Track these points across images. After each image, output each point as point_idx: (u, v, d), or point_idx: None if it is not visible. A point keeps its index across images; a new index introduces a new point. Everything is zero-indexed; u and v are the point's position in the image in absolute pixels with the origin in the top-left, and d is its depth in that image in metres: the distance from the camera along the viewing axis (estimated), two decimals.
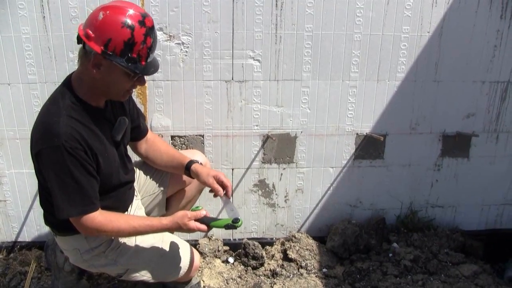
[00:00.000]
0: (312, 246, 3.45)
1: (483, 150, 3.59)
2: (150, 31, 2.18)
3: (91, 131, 2.25)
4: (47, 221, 2.49)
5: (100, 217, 2.27)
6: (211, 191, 2.67)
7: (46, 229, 3.32)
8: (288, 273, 3.28)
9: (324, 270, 3.33)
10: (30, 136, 2.21)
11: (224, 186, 2.64)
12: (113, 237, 2.49)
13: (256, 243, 3.40)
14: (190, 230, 2.39)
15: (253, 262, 3.35)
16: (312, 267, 3.33)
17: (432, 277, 3.26)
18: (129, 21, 2.11)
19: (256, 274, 3.31)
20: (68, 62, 3.05)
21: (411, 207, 3.66)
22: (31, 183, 3.26)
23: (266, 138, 3.33)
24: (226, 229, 2.45)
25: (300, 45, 3.16)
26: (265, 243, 3.55)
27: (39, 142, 2.14)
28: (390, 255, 3.43)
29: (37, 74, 3.05)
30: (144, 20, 2.15)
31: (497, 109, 3.48)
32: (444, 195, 3.69)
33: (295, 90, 3.25)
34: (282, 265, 3.35)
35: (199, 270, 3.23)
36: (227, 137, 3.30)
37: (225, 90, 3.20)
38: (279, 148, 3.37)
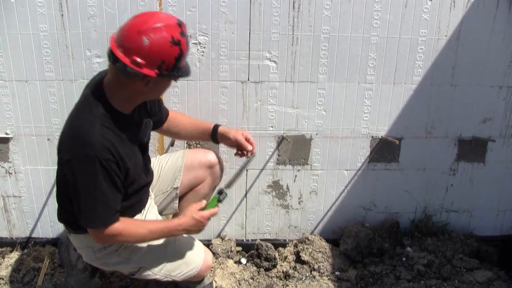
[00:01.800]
0: (325, 249, 3.44)
1: (499, 155, 3.56)
2: (187, 37, 2.22)
3: (122, 139, 2.28)
4: (62, 218, 2.51)
5: (119, 226, 2.29)
6: (236, 153, 2.83)
7: (60, 226, 3.34)
8: (300, 276, 3.27)
9: (337, 273, 3.32)
10: (60, 139, 2.24)
11: (251, 143, 2.78)
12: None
13: (269, 245, 3.40)
14: (206, 221, 2.52)
15: (265, 264, 3.34)
16: (325, 269, 3.31)
17: (445, 283, 3.23)
18: (174, 38, 2.13)
19: (268, 276, 3.30)
20: (85, 60, 3.06)
21: (426, 211, 3.64)
22: (46, 180, 3.28)
23: (281, 140, 3.33)
24: (219, 203, 2.63)
25: (316, 47, 3.16)
26: (278, 244, 3.55)
27: (72, 149, 2.16)
28: (404, 259, 3.40)
29: (54, 71, 3.07)
30: (182, 30, 2.18)
31: None
32: (459, 200, 3.66)
33: (311, 92, 3.25)
34: (295, 267, 3.34)
35: (212, 270, 3.23)
36: None
37: (240, 91, 3.20)
38: (294, 149, 3.36)
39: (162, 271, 2.62)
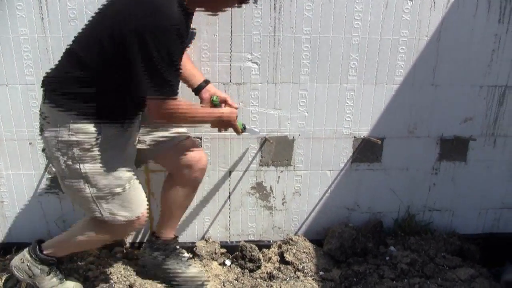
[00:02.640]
0: (309, 249, 3.45)
1: (480, 154, 3.59)
2: None
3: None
4: (57, 90, 2.47)
5: (180, 101, 2.50)
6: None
7: (42, 230, 3.32)
8: (285, 276, 3.27)
9: (321, 273, 3.33)
10: (122, 11, 2.32)
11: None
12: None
13: (253, 246, 3.40)
14: (233, 125, 2.89)
15: (250, 265, 3.35)
16: (309, 270, 3.32)
17: (429, 281, 3.26)
18: None
19: (252, 277, 3.30)
20: None
21: (409, 210, 3.66)
22: (28, 185, 3.27)
23: (264, 141, 3.33)
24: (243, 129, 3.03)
25: (298, 48, 3.17)
26: (262, 245, 3.55)
27: (147, 18, 2.25)
28: (387, 258, 3.42)
29: (35, 75, 3.05)
30: None
31: (494, 113, 3.49)
32: (442, 199, 3.69)
33: (293, 93, 3.26)
34: (279, 268, 3.34)
35: None
36: (225, 139, 3.30)
37: (223, 92, 3.19)
38: (277, 151, 3.37)
39: (103, 194, 2.57)
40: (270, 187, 3.47)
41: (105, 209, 2.59)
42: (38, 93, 3.07)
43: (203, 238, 3.54)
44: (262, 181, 3.44)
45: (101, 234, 2.71)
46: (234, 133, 3.08)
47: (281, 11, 3.08)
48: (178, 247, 3.18)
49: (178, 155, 2.92)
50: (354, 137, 3.41)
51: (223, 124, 2.85)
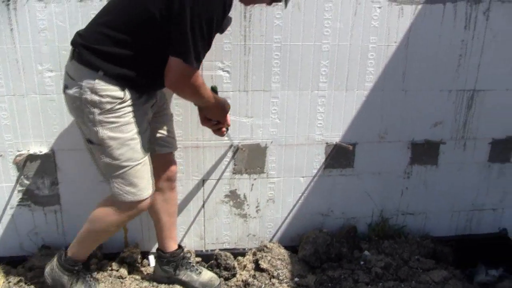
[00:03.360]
0: (284, 256, 3.46)
1: (451, 157, 3.64)
2: None
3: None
4: (88, 47, 2.48)
5: (199, 75, 2.52)
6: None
7: (14, 243, 3.30)
8: (260, 283, 3.27)
9: (296, 279, 3.33)
10: None
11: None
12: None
13: (228, 254, 3.40)
14: (224, 117, 2.88)
15: (225, 273, 3.34)
16: (284, 276, 3.33)
17: (403, 284, 3.29)
18: None
19: (228, 285, 3.30)
20: (37, 74, 3.02)
21: (382, 215, 3.70)
22: (1, 196, 3.23)
23: (237, 149, 3.34)
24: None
25: (269, 56, 3.19)
26: (237, 253, 3.55)
27: None
28: (362, 263, 3.45)
29: (5, 86, 3.02)
30: None
31: (464, 117, 3.54)
32: (414, 203, 3.73)
33: (265, 101, 3.27)
34: (254, 275, 3.34)
35: None
36: (198, 148, 3.31)
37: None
38: (250, 158, 3.38)
39: (115, 165, 2.60)
40: (244, 195, 3.47)
41: (116, 183, 2.62)
42: (8, 104, 3.04)
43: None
44: (236, 189, 3.45)
45: (109, 217, 2.72)
46: (207, 142, 3.09)
47: (251, 20, 3.10)
48: (186, 256, 3.25)
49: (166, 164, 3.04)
50: (326, 143, 3.43)
51: (221, 112, 2.84)
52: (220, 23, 2.44)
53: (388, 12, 3.21)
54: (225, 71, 3.17)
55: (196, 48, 2.36)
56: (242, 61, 3.17)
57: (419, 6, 3.23)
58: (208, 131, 3.20)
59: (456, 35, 3.33)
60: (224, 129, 2.92)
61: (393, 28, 3.25)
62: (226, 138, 3.24)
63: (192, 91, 2.56)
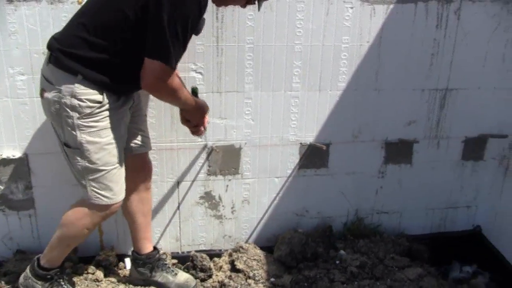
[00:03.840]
0: (260, 256, 3.47)
1: (425, 156, 3.67)
2: None
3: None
4: (65, 52, 2.47)
5: (176, 78, 2.52)
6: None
7: None
8: (236, 284, 3.28)
9: (272, 279, 3.35)
10: None
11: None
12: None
13: (204, 255, 3.40)
14: (203, 119, 2.86)
15: (201, 274, 3.34)
16: (260, 277, 3.34)
17: (378, 282, 3.31)
18: None
19: (204, 286, 3.30)
20: (8, 78, 2.98)
21: (357, 214, 3.72)
22: None
23: (211, 150, 3.34)
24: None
25: (241, 57, 3.18)
26: (213, 255, 3.55)
27: None
28: (337, 262, 3.46)
29: None
30: None
31: (437, 116, 3.57)
32: (389, 201, 3.75)
33: (238, 102, 3.27)
34: (230, 276, 3.35)
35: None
36: (172, 150, 3.30)
37: (168, 104, 3.18)
38: (224, 160, 3.38)
39: (93, 169, 2.60)
40: (219, 196, 3.47)
41: (91, 186, 2.62)
42: None
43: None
44: (211, 191, 3.45)
45: (82, 220, 2.71)
46: (181, 144, 3.09)
47: (224, 21, 3.09)
48: (162, 257, 3.25)
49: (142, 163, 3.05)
50: (301, 143, 3.44)
51: (199, 114, 2.83)
52: (196, 24, 2.44)
53: (360, 12, 3.22)
54: (198, 72, 3.16)
55: (172, 50, 2.35)
56: (215, 62, 3.17)
57: (391, 6, 3.24)
58: (181, 132, 3.22)
59: (428, 34, 3.36)
60: (202, 129, 2.91)
61: (365, 28, 3.26)
62: (200, 139, 3.25)
63: (168, 93, 2.56)
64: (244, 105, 3.29)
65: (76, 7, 2.69)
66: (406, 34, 3.33)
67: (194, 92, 2.87)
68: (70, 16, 2.63)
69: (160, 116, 3.20)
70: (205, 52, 3.14)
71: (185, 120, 2.87)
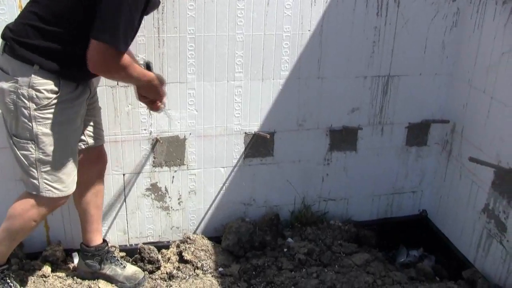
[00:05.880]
0: (208, 247, 3.48)
1: (370, 142, 3.72)
2: None
3: None
4: (20, 41, 2.43)
5: (128, 58, 2.46)
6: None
7: None
8: (184, 275, 3.29)
9: (220, 269, 3.36)
10: None
11: None
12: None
13: (152, 247, 3.39)
14: (158, 92, 2.78)
15: (149, 266, 3.34)
16: (208, 267, 3.35)
17: (326, 269, 3.34)
18: None
19: (152, 278, 3.30)
20: None
21: (304, 202, 3.75)
22: None
23: (155, 142, 3.33)
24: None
25: (183, 47, 3.18)
26: (161, 246, 3.55)
27: None
28: (285, 250, 3.49)
29: None
30: None
31: (380, 103, 3.62)
32: (336, 188, 3.80)
33: (181, 93, 3.27)
34: (178, 267, 3.35)
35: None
36: (116, 142, 3.27)
37: (111, 96, 3.16)
38: (169, 151, 3.37)
39: (47, 161, 2.58)
40: (165, 188, 3.46)
41: (43, 178, 2.59)
42: None
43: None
44: (157, 182, 3.44)
45: (29, 212, 2.68)
46: (125, 136, 3.08)
47: (164, 12, 3.08)
48: (110, 250, 3.24)
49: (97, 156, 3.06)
50: (245, 133, 3.45)
51: (155, 88, 2.75)
52: (146, 4, 2.40)
53: (301, 1, 3.24)
54: (140, 64, 3.13)
55: (121, 30, 2.30)
56: (156, 54, 3.15)
57: None
58: (125, 125, 3.20)
59: (369, 22, 3.40)
60: (159, 104, 2.85)
61: (306, 17, 3.28)
62: (163, 113, 3.24)
63: (118, 73, 2.52)
64: (187, 96, 3.28)
65: None
66: (347, 22, 3.37)
67: (148, 66, 2.82)
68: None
69: (103, 109, 3.16)
70: (147, 44, 3.12)
71: (142, 96, 2.81)
